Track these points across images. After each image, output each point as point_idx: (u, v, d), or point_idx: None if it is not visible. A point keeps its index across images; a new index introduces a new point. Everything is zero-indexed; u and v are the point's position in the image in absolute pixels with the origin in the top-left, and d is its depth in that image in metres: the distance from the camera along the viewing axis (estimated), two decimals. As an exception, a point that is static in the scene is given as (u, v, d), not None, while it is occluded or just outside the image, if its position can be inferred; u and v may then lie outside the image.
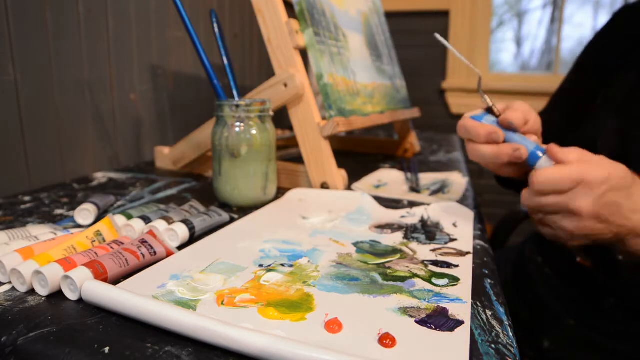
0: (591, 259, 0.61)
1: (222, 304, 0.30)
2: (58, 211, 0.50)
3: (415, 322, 0.28)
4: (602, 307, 0.60)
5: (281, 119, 0.99)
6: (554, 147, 0.43)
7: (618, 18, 0.68)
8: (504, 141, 0.46)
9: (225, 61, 0.58)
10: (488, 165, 0.48)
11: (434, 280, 0.34)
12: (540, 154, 0.44)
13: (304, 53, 0.61)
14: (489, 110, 0.48)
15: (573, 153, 0.42)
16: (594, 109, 0.63)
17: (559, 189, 0.41)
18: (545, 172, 0.41)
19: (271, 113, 0.55)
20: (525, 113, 0.47)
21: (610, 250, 0.57)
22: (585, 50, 0.72)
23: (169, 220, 0.43)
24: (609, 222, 0.41)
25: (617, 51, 0.65)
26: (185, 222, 0.42)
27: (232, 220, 0.48)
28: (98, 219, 0.47)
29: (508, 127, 0.46)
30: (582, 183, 0.40)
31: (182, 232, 0.41)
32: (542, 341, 0.65)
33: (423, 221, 0.49)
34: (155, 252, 0.36)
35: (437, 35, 0.51)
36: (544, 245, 0.71)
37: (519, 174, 0.50)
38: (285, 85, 0.58)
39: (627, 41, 0.64)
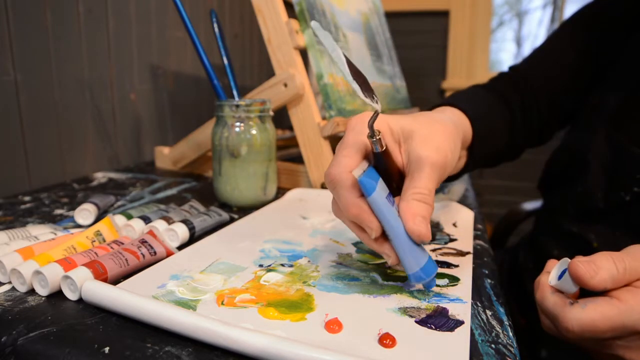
0: None
1: (222, 304, 0.30)
2: (58, 211, 0.50)
3: (415, 322, 0.28)
4: None
5: (281, 119, 0.99)
6: (578, 266, 0.31)
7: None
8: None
9: (225, 61, 0.58)
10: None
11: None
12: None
13: (304, 53, 0.61)
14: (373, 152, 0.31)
15: (604, 272, 0.31)
16: (582, 117, 0.62)
17: (601, 337, 0.31)
18: (579, 321, 0.30)
19: (271, 113, 0.55)
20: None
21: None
22: (587, 11, 0.64)
23: (169, 220, 0.43)
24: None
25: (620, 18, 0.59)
26: (185, 222, 0.42)
27: (232, 220, 0.48)
28: (98, 219, 0.47)
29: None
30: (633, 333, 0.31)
31: (182, 232, 0.41)
32: (539, 350, 0.64)
33: (423, 221, 0.49)
34: (155, 252, 0.36)
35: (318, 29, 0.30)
36: (536, 253, 0.70)
37: None
38: (285, 85, 0.58)
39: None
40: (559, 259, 0.36)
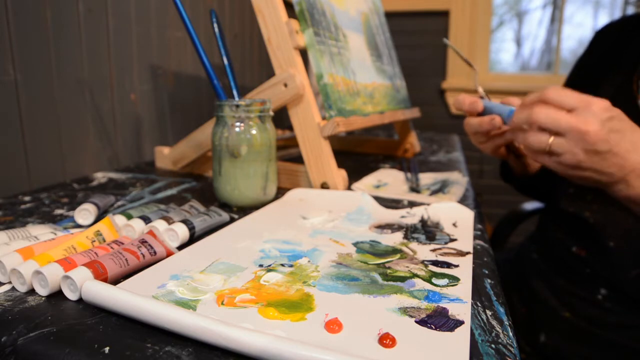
0: (584, 249, 0.62)
1: (222, 304, 0.30)
2: (58, 211, 0.50)
3: (415, 322, 0.28)
4: (595, 299, 0.61)
5: (281, 119, 0.99)
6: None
7: (596, 38, 0.74)
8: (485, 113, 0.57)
9: (225, 61, 0.58)
10: (479, 142, 0.58)
11: (434, 280, 0.34)
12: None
13: (304, 53, 0.61)
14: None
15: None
16: None
17: (567, 103, 0.43)
18: (557, 89, 0.45)
19: (271, 113, 0.55)
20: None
21: (602, 237, 0.59)
22: (574, 68, 0.77)
23: (169, 220, 0.43)
24: (613, 153, 0.43)
25: (596, 72, 0.69)
26: (185, 222, 0.42)
27: (232, 220, 0.48)
28: (98, 219, 0.47)
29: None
30: (588, 106, 0.43)
31: (182, 232, 0.41)
32: (538, 335, 0.66)
33: (423, 221, 0.49)
34: (155, 252, 0.36)
35: (446, 40, 0.62)
36: (541, 242, 0.71)
37: (513, 160, 0.58)
38: (285, 85, 0.58)
39: (601, 62, 0.68)
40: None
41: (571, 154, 0.44)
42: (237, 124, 0.52)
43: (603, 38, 0.72)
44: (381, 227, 0.47)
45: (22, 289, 0.31)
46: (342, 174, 0.61)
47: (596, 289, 0.61)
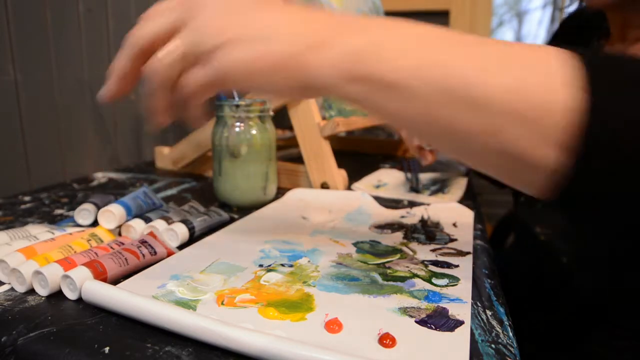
0: (550, 231, 0.60)
1: (222, 304, 0.30)
2: (58, 211, 0.50)
3: (415, 322, 0.28)
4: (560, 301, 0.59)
5: (281, 119, 0.99)
6: None
7: (561, 28, 0.71)
8: None
9: (225, 61, 0.58)
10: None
11: (434, 280, 0.34)
12: None
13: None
14: None
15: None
16: None
17: (163, 26, 0.30)
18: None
19: (271, 113, 0.55)
20: None
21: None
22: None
23: (169, 220, 0.43)
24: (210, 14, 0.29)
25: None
26: (185, 222, 0.42)
27: (232, 220, 0.48)
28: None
29: None
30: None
31: (182, 232, 0.41)
32: (524, 345, 0.65)
33: (423, 221, 0.49)
34: (155, 252, 0.36)
35: None
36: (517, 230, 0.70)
37: None
38: (285, 85, 0.58)
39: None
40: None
41: (174, 46, 0.30)
42: (237, 124, 0.52)
43: (566, 30, 0.70)
44: (381, 227, 0.47)
45: (22, 289, 0.31)
46: (342, 174, 0.61)
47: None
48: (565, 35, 0.70)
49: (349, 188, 0.62)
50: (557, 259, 0.57)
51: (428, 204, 0.54)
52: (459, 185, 0.65)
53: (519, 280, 0.65)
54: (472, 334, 0.27)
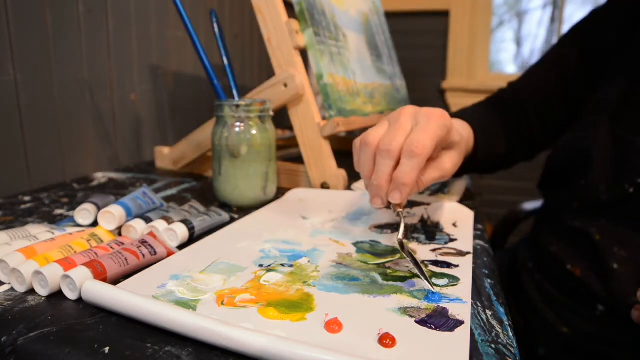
0: (580, 268, 0.59)
1: (222, 304, 0.30)
2: (58, 211, 0.50)
3: (415, 322, 0.28)
4: (593, 315, 0.58)
5: (281, 119, 0.99)
6: None
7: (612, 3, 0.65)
8: None
9: (225, 61, 0.58)
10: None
11: (434, 280, 0.34)
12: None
13: (304, 53, 0.61)
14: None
15: None
16: (584, 114, 0.63)
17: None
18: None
19: (271, 113, 0.55)
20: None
21: (603, 258, 0.56)
22: (578, 28, 0.68)
23: (169, 220, 0.43)
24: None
25: (610, 41, 0.62)
26: (185, 222, 0.42)
27: (232, 220, 0.48)
28: (98, 219, 0.47)
29: None
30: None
31: (182, 232, 0.41)
32: (537, 348, 0.64)
33: (423, 221, 0.49)
34: (155, 252, 0.36)
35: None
36: (535, 251, 0.70)
37: None
38: (285, 85, 0.58)
39: (621, 28, 0.61)
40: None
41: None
42: (237, 124, 0.52)
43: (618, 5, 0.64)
44: (381, 227, 0.47)
45: (22, 289, 0.31)
46: (342, 174, 0.61)
47: (593, 305, 0.58)
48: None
49: (349, 188, 0.62)
50: (607, 263, 0.55)
51: (428, 204, 0.54)
52: (459, 185, 0.65)
53: (553, 277, 0.64)
54: (472, 334, 0.27)
